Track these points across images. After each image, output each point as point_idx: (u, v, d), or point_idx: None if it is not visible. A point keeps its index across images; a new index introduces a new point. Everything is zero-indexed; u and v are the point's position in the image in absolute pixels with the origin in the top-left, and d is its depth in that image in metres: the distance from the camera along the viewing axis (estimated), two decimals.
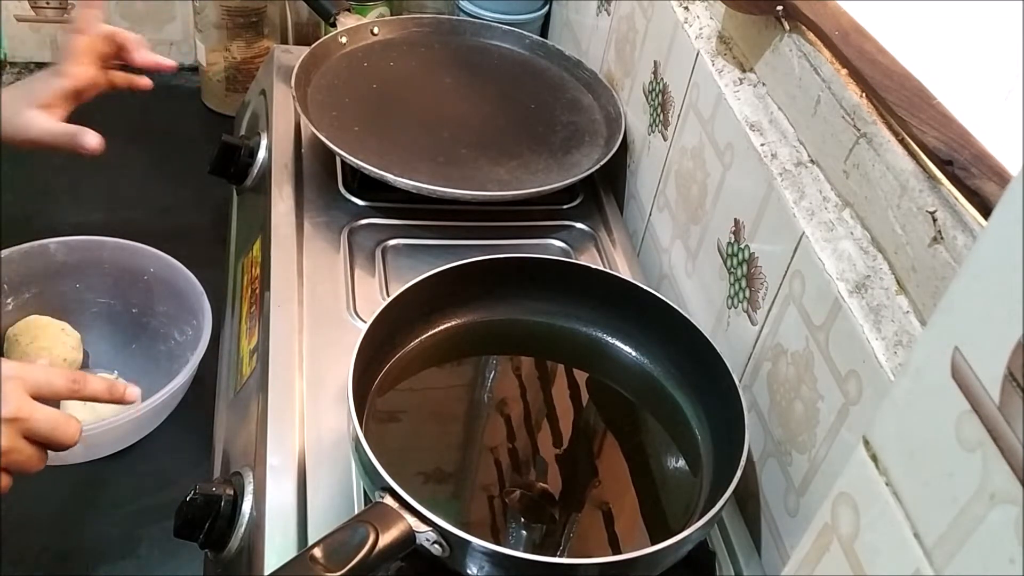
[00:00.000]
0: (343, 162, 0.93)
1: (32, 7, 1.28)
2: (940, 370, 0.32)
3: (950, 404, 0.31)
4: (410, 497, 0.56)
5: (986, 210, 0.51)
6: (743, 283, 0.74)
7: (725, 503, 0.60)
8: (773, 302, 0.69)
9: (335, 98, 0.98)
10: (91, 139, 0.80)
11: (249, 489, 0.67)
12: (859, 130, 0.63)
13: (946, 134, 0.55)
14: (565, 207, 0.96)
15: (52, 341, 0.85)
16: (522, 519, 0.66)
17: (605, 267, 0.89)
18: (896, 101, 0.58)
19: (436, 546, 0.56)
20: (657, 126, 0.92)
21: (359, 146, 0.90)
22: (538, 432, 0.73)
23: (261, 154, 0.99)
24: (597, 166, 0.93)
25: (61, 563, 0.77)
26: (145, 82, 0.88)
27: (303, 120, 0.94)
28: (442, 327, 0.76)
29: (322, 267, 0.83)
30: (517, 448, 0.72)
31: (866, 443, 0.36)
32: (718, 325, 0.78)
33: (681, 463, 0.71)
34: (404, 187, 0.86)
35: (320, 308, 0.79)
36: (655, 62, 0.93)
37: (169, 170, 1.18)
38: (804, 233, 0.64)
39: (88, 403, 0.85)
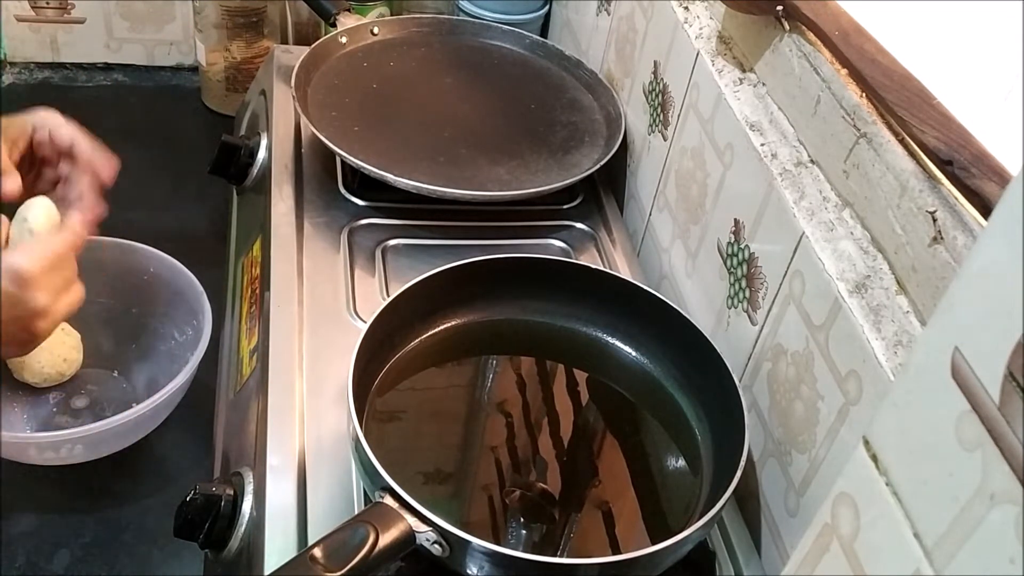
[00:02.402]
0: (343, 162, 0.93)
1: (32, 7, 1.28)
2: (940, 370, 0.32)
3: (950, 404, 0.31)
4: (410, 497, 0.56)
5: (986, 210, 0.51)
6: (743, 283, 0.74)
7: (725, 503, 0.60)
8: (773, 302, 0.69)
9: (335, 98, 0.98)
10: (10, 184, 0.71)
11: (249, 489, 0.67)
12: (859, 130, 0.63)
13: (946, 134, 0.55)
14: (565, 207, 0.96)
15: (52, 341, 0.85)
16: (522, 519, 0.66)
17: (605, 267, 0.89)
18: (896, 101, 0.58)
19: (436, 546, 0.56)
20: (657, 126, 0.92)
21: (359, 146, 0.90)
22: (538, 432, 0.73)
23: (261, 154, 0.99)
24: (597, 166, 0.93)
25: (61, 563, 0.77)
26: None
27: (303, 120, 0.94)
28: (442, 327, 0.76)
29: (322, 267, 0.83)
30: (517, 448, 0.72)
31: (866, 443, 0.36)
32: (718, 325, 0.78)
33: (681, 463, 0.71)
34: (404, 187, 0.86)
35: (320, 308, 0.79)
36: (655, 62, 0.93)
37: (169, 170, 1.18)
38: (804, 233, 0.64)
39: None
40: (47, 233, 0.69)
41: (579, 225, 0.94)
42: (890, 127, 0.61)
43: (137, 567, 0.78)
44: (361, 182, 0.93)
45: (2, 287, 0.62)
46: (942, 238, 0.54)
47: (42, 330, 0.67)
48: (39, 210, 0.70)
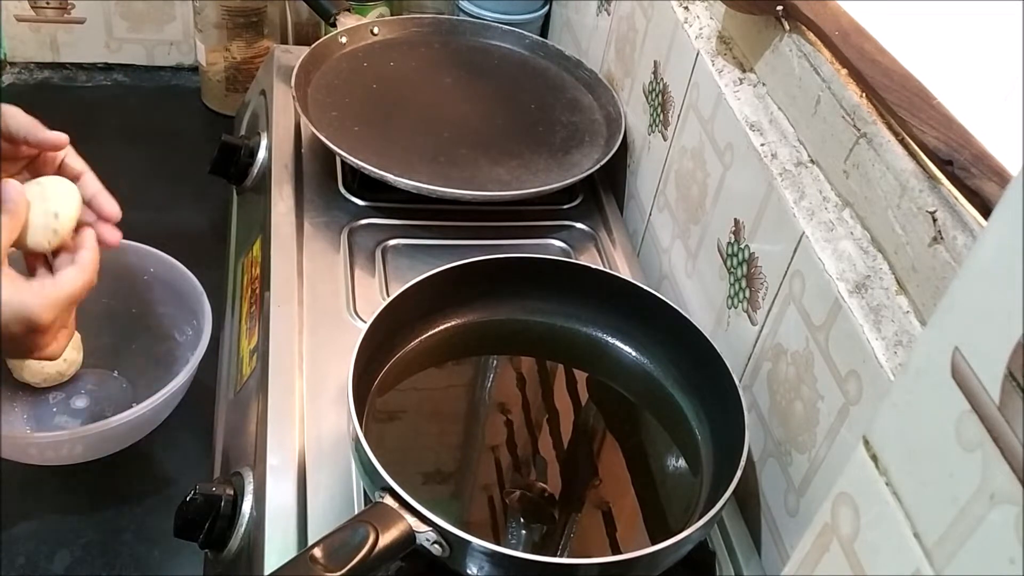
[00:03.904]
0: (343, 162, 0.93)
1: (32, 7, 1.28)
2: (940, 370, 0.32)
3: (950, 404, 0.31)
4: (410, 497, 0.56)
5: (986, 210, 0.51)
6: (743, 283, 0.74)
7: (725, 503, 0.60)
8: (773, 302, 0.69)
9: (335, 98, 0.98)
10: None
11: (249, 489, 0.67)
12: (859, 130, 0.63)
13: (946, 134, 0.55)
14: (565, 207, 0.96)
15: None
16: (522, 519, 0.66)
17: (605, 267, 0.89)
18: (896, 101, 0.58)
19: (436, 546, 0.56)
20: (657, 126, 0.92)
21: (359, 146, 0.90)
22: (538, 432, 0.73)
23: (261, 154, 0.99)
24: (597, 166, 0.93)
25: (61, 563, 0.77)
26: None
27: (303, 120, 0.94)
28: (442, 327, 0.76)
29: (322, 267, 0.83)
30: (517, 448, 0.72)
31: (866, 443, 0.36)
32: (718, 325, 0.78)
33: (681, 463, 0.71)
34: (404, 187, 0.86)
35: (320, 308, 0.79)
36: (655, 62, 0.93)
37: (169, 170, 1.18)
38: (804, 233, 0.64)
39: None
40: (68, 234, 0.64)
41: (579, 225, 0.94)
42: (890, 127, 0.61)
43: (137, 567, 0.78)
44: (361, 182, 0.93)
45: (6, 323, 0.58)
46: (942, 238, 0.54)
47: (39, 356, 0.64)
48: (68, 200, 0.64)
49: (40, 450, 0.79)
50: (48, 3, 1.28)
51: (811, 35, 0.70)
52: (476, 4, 1.23)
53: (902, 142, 0.60)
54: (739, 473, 0.61)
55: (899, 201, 0.59)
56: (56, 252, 0.65)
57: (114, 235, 0.68)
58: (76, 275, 0.62)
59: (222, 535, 0.66)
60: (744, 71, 0.80)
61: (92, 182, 0.68)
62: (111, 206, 0.68)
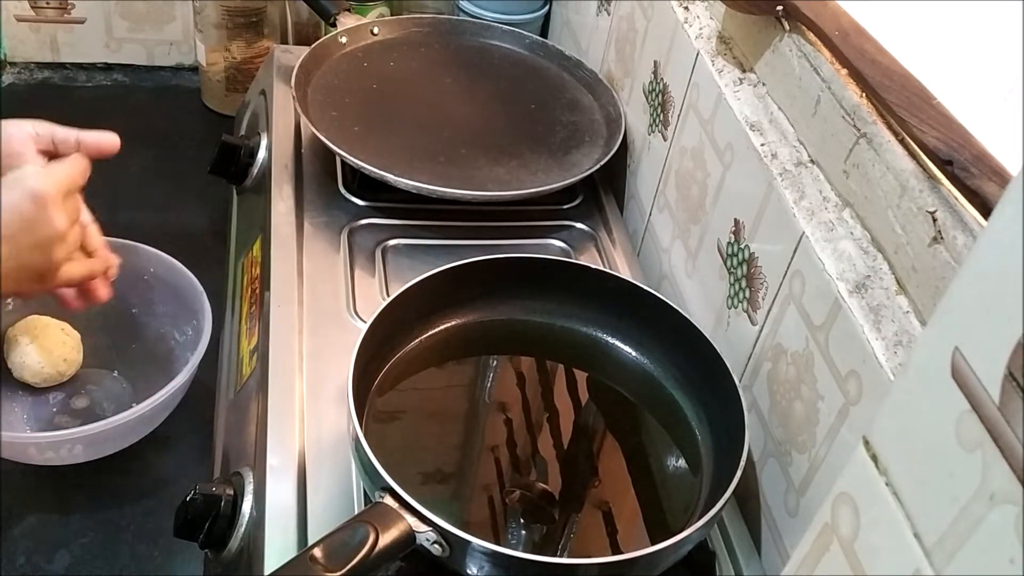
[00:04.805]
0: (343, 162, 0.93)
1: (32, 7, 1.28)
2: (940, 370, 0.32)
3: (950, 404, 0.31)
4: (410, 497, 0.56)
5: (986, 210, 0.51)
6: (743, 283, 0.74)
7: (725, 503, 0.60)
8: (773, 302, 0.69)
9: (335, 98, 0.98)
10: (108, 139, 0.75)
11: (249, 489, 0.67)
12: (859, 130, 0.63)
13: (946, 134, 0.55)
14: (565, 207, 0.96)
15: (52, 341, 0.86)
16: (522, 519, 0.66)
17: (605, 267, 0.89)
18: (896, 101, 0.58)
19: (436, 546, 0.56)
20: (657, 126, 0.92)
21: (359, 146, 0.90)
22: (538, 432, 0.73)
23: (261, 154, 0.99)
24: (597, 166, 0.93)
25: (61, 563, 0.77)
26: None
27: (303, 120, 0.94)
28: (442, 327, 0.76)
29: (322, 267, 0.83)
30: (517, 448, 0.72)
31: (866, 443, 0.36)
32: (718, 325, 0.78)
33: (681, 463, 0.71)
34: (404, 187, 0.86)
35: (320, 308, 0.79)
36: (655, 62, 0.93)
37: (169, 170, 1.18)
38: (804, 233, 0.64)
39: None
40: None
41: (579, 225, 0.94)
42: (890, 127, 0.61)
43: (137, 567, 0.78)
44: (361, 182, 0.93)
45: (18, 202, 0.63)
46: (942, 238, 0.54)
47: (60, 259, 0.67)
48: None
49: (40, 450, 0.79)
50: (48, 3, 1.28)
51: (811, 35, 0.70)
52: (476, 4, 1.23)
53: (902, 142, 0.60)
54: (739, 473, 0.61)
55: (899, 201, 0.59)
56: None
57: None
58: (70, 161, 0.69)
59: (222, 535, 0.66)
60: (744, 71, 0.80)
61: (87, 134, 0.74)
62: (98, 137, 0.74)
